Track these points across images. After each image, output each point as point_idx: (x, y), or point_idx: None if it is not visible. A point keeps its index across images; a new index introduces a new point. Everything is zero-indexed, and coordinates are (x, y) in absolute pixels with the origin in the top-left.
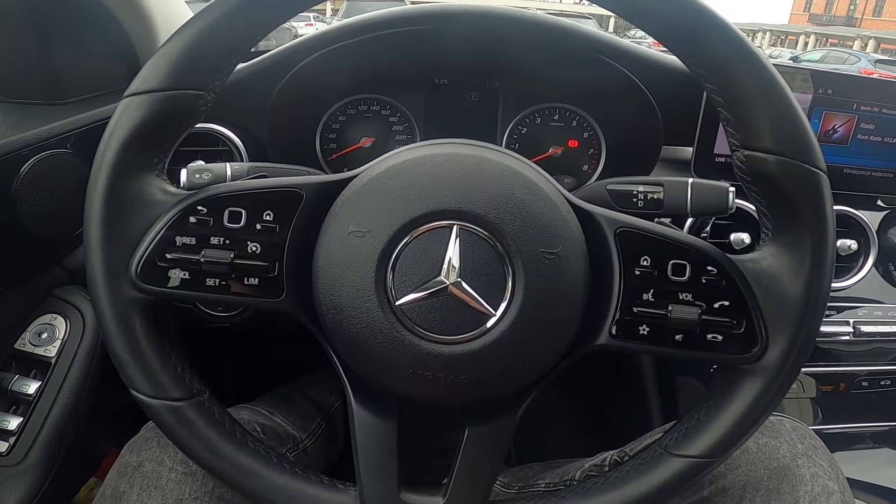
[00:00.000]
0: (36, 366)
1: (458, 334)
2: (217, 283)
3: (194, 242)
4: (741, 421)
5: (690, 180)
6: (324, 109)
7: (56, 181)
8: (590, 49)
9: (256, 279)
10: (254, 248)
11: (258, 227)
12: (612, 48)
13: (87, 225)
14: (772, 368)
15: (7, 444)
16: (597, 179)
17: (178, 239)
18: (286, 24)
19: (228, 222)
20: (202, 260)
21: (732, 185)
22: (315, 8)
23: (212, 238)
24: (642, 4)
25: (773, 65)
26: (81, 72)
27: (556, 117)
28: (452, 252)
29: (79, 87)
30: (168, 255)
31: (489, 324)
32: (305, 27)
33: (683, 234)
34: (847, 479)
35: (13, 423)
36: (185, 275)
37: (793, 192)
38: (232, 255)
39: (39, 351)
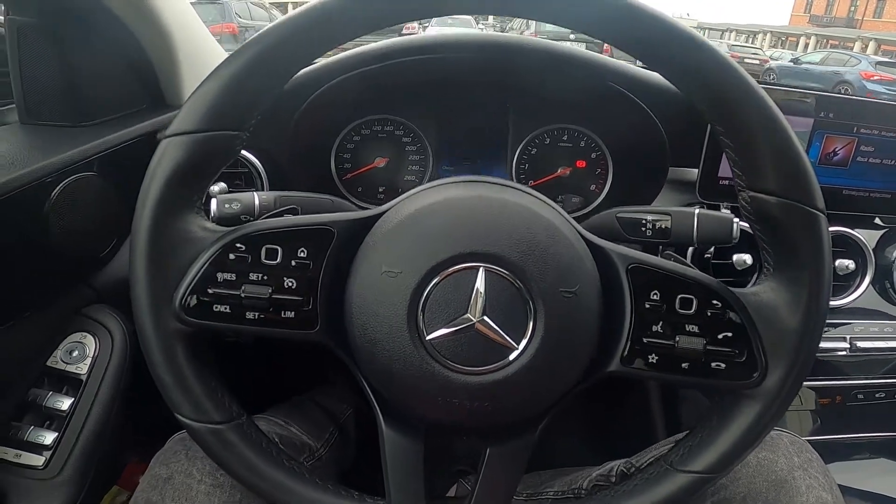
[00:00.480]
0: (68, 383)
1: (482, 366)
2: (256, 317)
3: (234, 278)
4: (742, 440)
5: (697, 211)
6: (339, 130)
7: (84, 203)
8: (599, 76)
9: (293, 312)
10: (290, 284)
11: (293, 263)
12: (620, 75)
13: (133, 261)
14: (771, 392)
15: (43, 458)
16: (604, 199)
17: (219, 275)
18: None
19: (266, 259)
20: (243, 295)
21: (736, 216)
22: None
23: (251, 274)
24: (647, 44)
25: (776, 86)
26: (103, 93)
27: (565, 138)
28: (479, 291)
29: (101, 109)
30: (210, 290)
31: (511, 357)
32: None
33: (691, 269)
34: (844, 487)
35: (49, 437)
36: (226, 308)
37: (794, 232)
38: (270, 291)
39: (71, 368)
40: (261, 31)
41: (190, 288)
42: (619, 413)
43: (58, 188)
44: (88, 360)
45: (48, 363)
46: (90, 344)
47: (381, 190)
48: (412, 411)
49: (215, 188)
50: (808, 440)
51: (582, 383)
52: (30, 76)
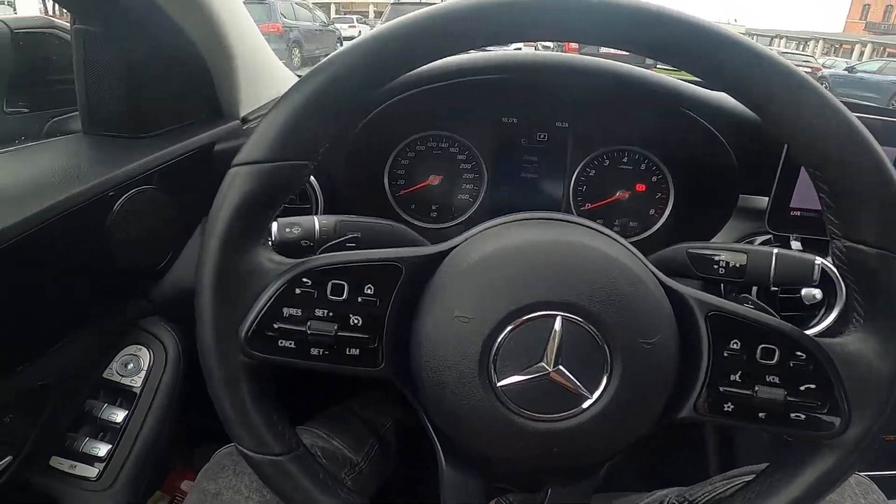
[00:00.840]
0: (122, 395)
1: (554, 413)
2: (321, 353)
3: (300, 314)
4: (816, 488)
5: (775, 251)
6: (394, 145)
7: (143, 216)
8: (668, 101)
9: (358, 350)
10: (356, 321)
11: (360, 300)
12: (691, 100)
13: (199, 292)
14: (851, 443)
15: (97, 469)
16: (662, 224)
17: (285, 310)
18: (331, 27)
19: (332, 294)
20: (308, 332)
21: (818, 257)
22: (357, 9)
23: (317, 310)
24: (744, 81)
25: (869, 116)
26: (162, 104)
27: (625, 160)
28: (555, 340)
29: (160, 120)
30: (276, 325)
31: (584, 405)
32: (349, 29)
33: (774, 318)
34: None
35: (103, 450)
36: (291, 344)
37: (890, 284)
38: (335, 328)
39: (126, 381)
40: (331, 55)
41: (256, 322)
42: (669, 439)
43: (119, 201)
44: (143, 373)
45: (104, 375)
46: (144, 357)
47: (434, 208)
48: (477, 453)
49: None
50: (867, 475)
51: (652, 429)
52: (94, 86)
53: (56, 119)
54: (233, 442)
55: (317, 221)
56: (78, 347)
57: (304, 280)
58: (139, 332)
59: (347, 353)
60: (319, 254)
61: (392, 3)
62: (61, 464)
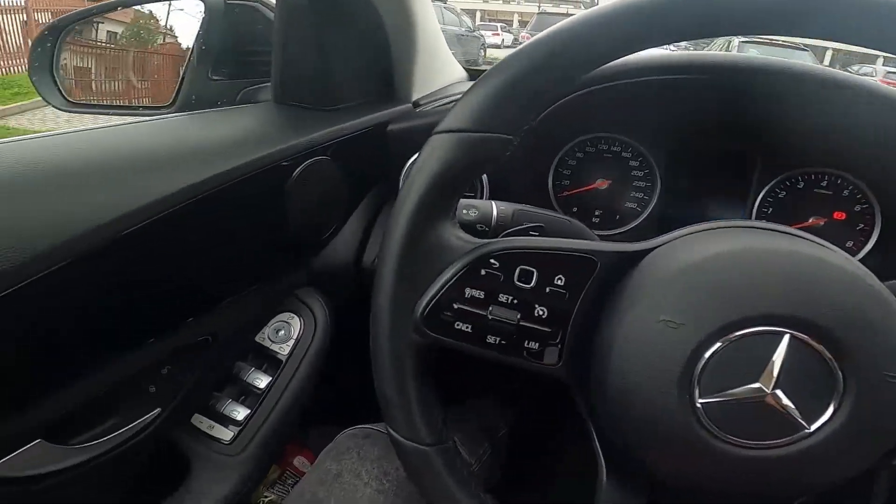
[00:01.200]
0: (269, 361)
1: (758, 440)
2: (497, 342)
3: (483, 297)
4: None
5: None
6: (563, 145)
7: (316, 186)
8: (887, 112)
9: (537, 343)
10: (540, 313)
11: (548, 290)
12: None
13: (383, 260)
14: None
15: (231, 433)
16: (863, 258)
17: (467, 291)
18: (475, 33)
19: (519, 280)
20: (489, 317)
21: None
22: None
23: (500, 295)
24: None
25: None
26: (346, 80)
27: (824, 184)
28: (777, 360)
29: (342, 95)
30: (455, 306)
31: (797, 436)
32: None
33: None
34: None
35: (241, 413)
36: (467, 328)
37: None
38: (518, 317)
39: (275, 347)
40: (549, 29)
41: (435, 300)
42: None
43: (299, 169)
44: (291, 342)
45: (256, 338)
46: (295, 325)
47: (597, 213)
48: (650, 470)
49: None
50: None
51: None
52: (290, 56)
53: (247, 89)
54: (367, 423)
55: (494, 207)
56: (240, 308)
57: (492, 261)
58: (294, 300)
59: (526, 345)
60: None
61: (538, 13)
62: (201, 422)
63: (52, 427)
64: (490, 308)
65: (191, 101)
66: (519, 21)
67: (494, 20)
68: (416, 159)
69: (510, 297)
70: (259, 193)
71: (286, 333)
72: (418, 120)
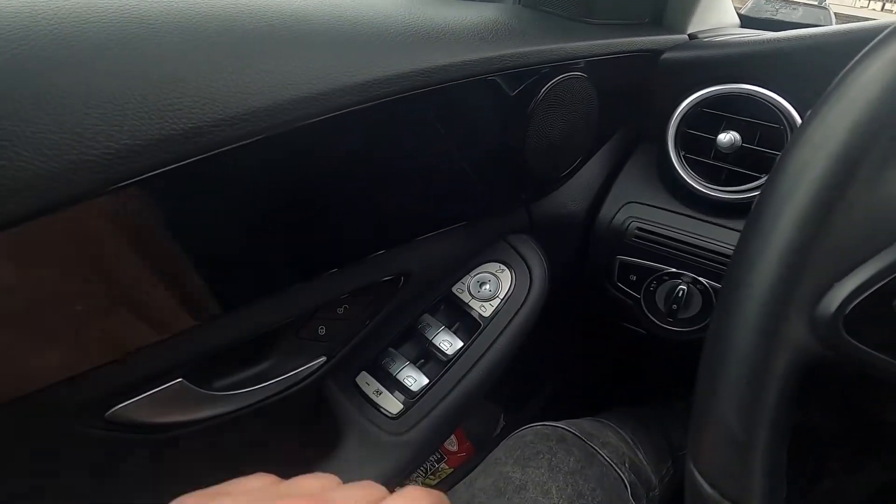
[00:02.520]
0: (464, 320)
1: None
2: None
3: None
4: None
5: None
6: None
7: (564, 108)
8: None
9: None
10: None
11: None
12: None
13: (772, 220)
14: None
15: (400, 406)
16: None
17: None
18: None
19: None
20: None
21: None
22: None
23: None
24: None
25: None
26: None
27: None
28: None
29: (601, 10)
30: None
31: None
32: None
33: None
34: None
35: (418, 382)
36: None
37: None
38: None
39: (475, 305)
40: None
41: (869, 291)
42: None
43: (549, 84)
44: (497, 300)
45: (453, 289)
46: (505, 279)
47: None
48: None
49: None
50: None
51: None
52: None
53: None
54: (532, 409)
55: None
56: (440, 248)
57: None
58: (506, 248)
59: None
60: None
61: None
62: (368, 384)
63: (197, 366)
64: None
65: None
66: None
67: None
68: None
69: None
70: (497, 104)
71: (491, 288)
72: (701, 51)
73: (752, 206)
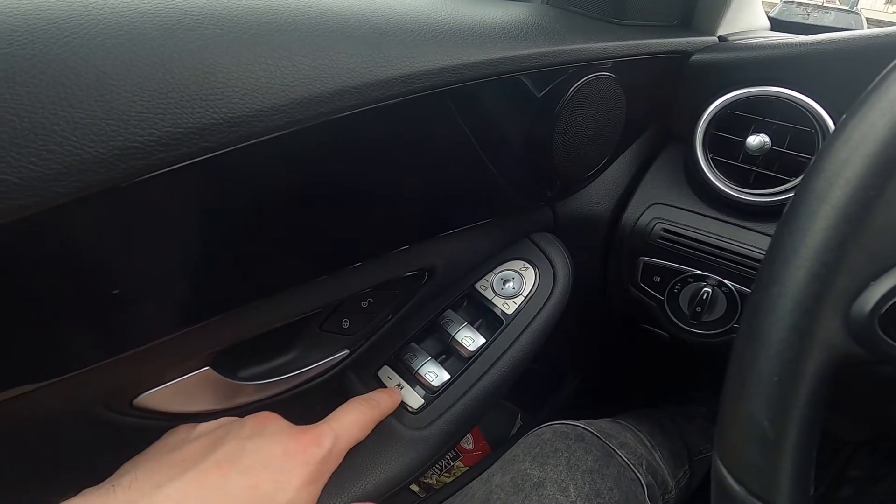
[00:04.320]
0: (486, 317)
1: None
2: None
3: None
4: None
5: None
6: None
7: (593, 108)
8: None
9: None
10: None
11: None
12: None
13: (812, 211)
14: None
15: (421, 401)
16: None
17: None
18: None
19: None
20: None
21: None
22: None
23: None
24: None
25: None
26: None
27: None
28: None
29: (630, 11)
30: None
31: None
32: None
33: None
34: None
35: (439, 378)
36: None
37: None
38: None
39: (497, 301)
40: None
41: None
42: None
43: (577, 84)
44: (520, 298)
45: (477, 286)
46: (529, 278)
47: None
48: None
49: None
50: None
51: None
52: None
53: None
54: (546, 407)
55: None
56: (464, 244)
57: None
58: (530, 246)
59: None
60: None
61: None
62: (389, 378)
63: (224, 355)
64: None
65: None
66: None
67: None
68: None
69: None
70: (525, 103)
71: (515, 286)
72: (732, 53)
73: (787, 205)
